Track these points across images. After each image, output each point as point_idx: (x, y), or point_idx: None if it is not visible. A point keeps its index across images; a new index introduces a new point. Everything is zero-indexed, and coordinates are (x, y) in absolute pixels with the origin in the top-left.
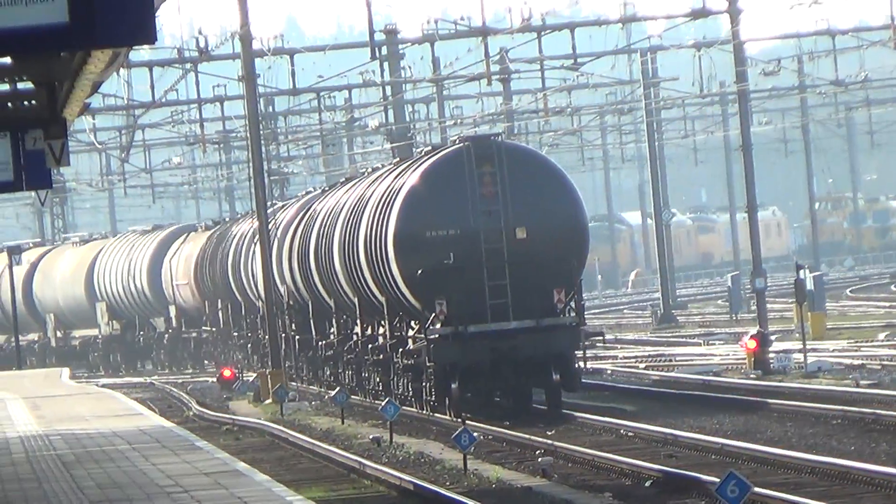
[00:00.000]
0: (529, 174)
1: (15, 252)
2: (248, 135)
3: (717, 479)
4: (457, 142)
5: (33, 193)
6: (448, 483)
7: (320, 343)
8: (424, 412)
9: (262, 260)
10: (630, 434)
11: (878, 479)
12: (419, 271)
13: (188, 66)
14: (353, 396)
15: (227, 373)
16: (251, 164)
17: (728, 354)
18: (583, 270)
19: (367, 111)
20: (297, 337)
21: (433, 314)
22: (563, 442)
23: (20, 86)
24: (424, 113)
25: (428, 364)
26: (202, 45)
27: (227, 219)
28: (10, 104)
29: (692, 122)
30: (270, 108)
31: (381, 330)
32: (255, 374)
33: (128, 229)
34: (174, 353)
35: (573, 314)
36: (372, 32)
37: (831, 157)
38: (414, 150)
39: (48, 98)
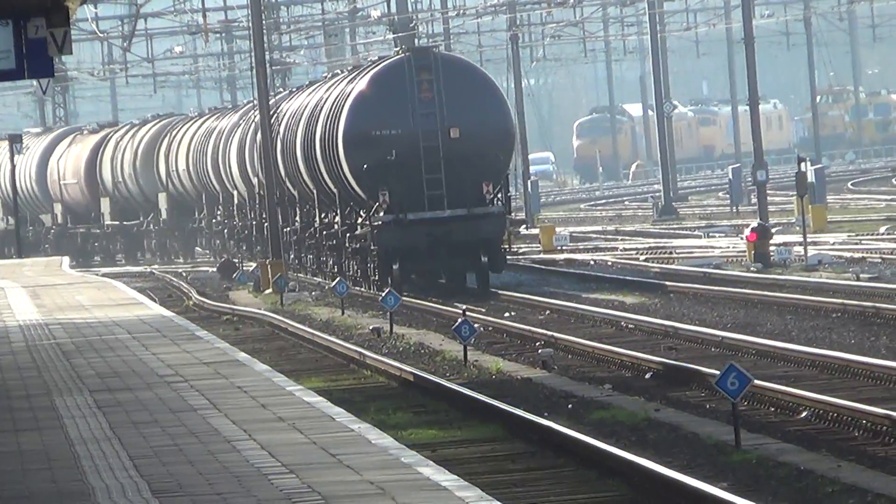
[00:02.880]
0: (463, 82)
1: (16, 140)
2: (251, 24)
3: (718, 372)
4: (400, 52)
5: (35, 82)
6: (448, 374)
7: (286, 230)
8: (371, 290)
9: (263, 151)
10: (630, 326)
11: (877, 371)
12: (364, 166)
13: None
14: (315, 278)
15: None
16: (253, 54)
17: (729, 247)
18: (508, 167)
19: (370, 1)
20: (266, 224)
21: (377, 203)
22: (564, 334)
23: None
24: (427, 3)
25: (372, 248)
26: None
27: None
28: None
29: (694, 14)
30: None
31: (336, 217)
32: (255, 264)
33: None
34: (60, 247)
35: (500, 204)
36: None
37: (833, 51)
38: (415, 40)
39: None
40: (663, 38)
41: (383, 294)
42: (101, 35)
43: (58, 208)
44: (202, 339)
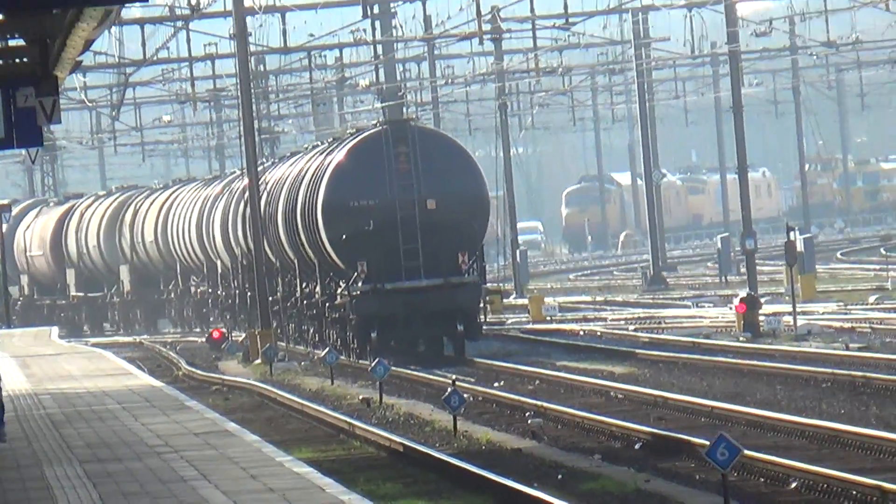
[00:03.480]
0: (439, 154)
1: (4, 210)
2: (239, 93)
3: (708, 442)
4: (377, 125)
5: (24, 151)
6: (438, 444)
7: (269, 299)
8: (351, 359)
9: (252, 219)
10: (620, 396)
11: (867, 441)
12: (343, 236)
13: (179, 23)
14: (297, 346)
15: (215, 333)
16: (242, 123)
17: (718, 317)
18: (484, 236)
19: (359, 70)
20: (248, 294)
21: (356, 273)
22: (553, 403)
23: (12, 42)
24: (416, 72)
25: (351, 316)
26: (194, 2)
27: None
28: (1, 61)
29: (683, 82)
30: (261, 67)
31: (316, 287)
32: (244, 335)
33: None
34: (27, 318)
35: (476, 274)
36: None
37: (822, 119)
38: (404, 109)
39: (40, 55)
40: (652, 107)
41: (372, 364)
42: (90, 104)
43: (24, 279)
44: (192, 410)
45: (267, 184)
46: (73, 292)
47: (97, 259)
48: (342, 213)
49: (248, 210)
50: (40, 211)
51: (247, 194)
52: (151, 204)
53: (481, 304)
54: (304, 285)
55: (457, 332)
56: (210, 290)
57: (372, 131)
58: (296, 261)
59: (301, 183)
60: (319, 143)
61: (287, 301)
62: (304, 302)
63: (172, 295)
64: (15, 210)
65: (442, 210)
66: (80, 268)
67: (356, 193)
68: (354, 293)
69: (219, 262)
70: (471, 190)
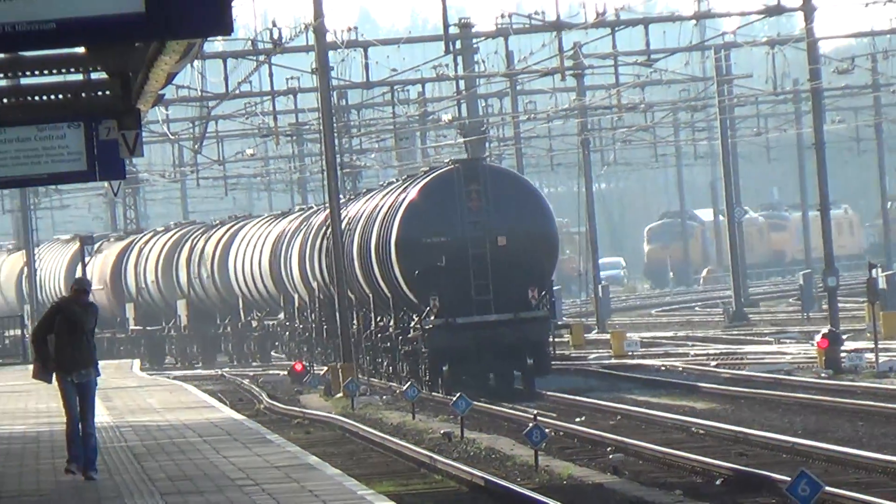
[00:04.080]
0: (509, 191)
1: (87, 242)
2: (321, 127)
3: (789, 478)
4: (449, 164)
5: (106, 184)
6: (519, 479)
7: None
8: (423, 391)
9: (335, 253)
10: (701, 432)
11: None
12: (416, 271)
13: (262, 57)
14: (371, 379)
15: (298, 366)
16: (324, 157)
17: (799, 353)
18: (553, 272)
19: (441, 105)
20: (325, 327)
21: (428, 307)
22: (634, 439)
23: (94, 76)
24: (498, 107)
25: (423, 350)
26: (276, 36)
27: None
28: (83, 94)
29: (765, 119)
30: (343, 101)
31: (390, 321)
32: (326, 368)
33: (52, 238)
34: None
35: (545, 309)
36: (446, 26)
37: None
38: (486, 144)
39: (122, 88)
40: (734, 143)
41: (454, 398)
42: (172, 137)
43: None
44: (273, 443)
45: (342, 220)
46: (132, 326)
47: (155, 293)
48: (415, 249)
49: (326, 244)
50: (101, 246)
51: (324, 229)
52: (209, 240)
53: (550, 339)
54: (378, 319)
55: (526, 365)
56: (287, 324)
57: (444, 170)
58: (370, 295)
59: (376, 220)
60: (394, 180)
61: (362, 335)
62: (378, 335)
63: (229, 329)
64: (77, 245)
65: (512, 246)
66: (139, 302)
67: (429, 230)
68: (427, 327)
69: (296, 296)
70: (540, 227)
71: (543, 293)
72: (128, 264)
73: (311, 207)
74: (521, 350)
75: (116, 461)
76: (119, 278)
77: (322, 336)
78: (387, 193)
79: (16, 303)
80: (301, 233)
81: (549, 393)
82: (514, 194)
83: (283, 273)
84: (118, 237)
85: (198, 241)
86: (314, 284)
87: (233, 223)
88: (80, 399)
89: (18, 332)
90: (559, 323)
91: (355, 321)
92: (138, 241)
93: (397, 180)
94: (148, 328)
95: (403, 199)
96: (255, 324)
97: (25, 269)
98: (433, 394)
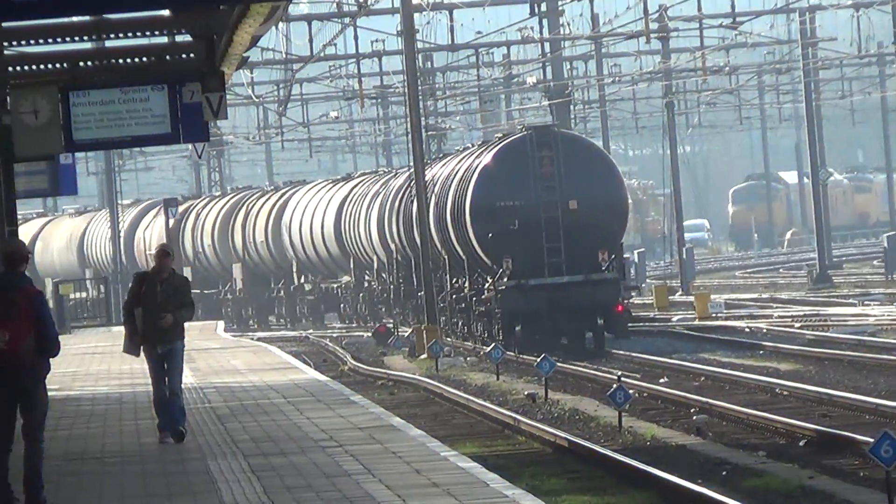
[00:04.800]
0: (580, 157)
1: (171, 205)
2: (406, 90)
3: (872, 440)
4: (522, 130)
5: (190, 146)
6: (603, 440)
7: (419, 293)
8: (509, 353)
9: (420, 215)
10: (785, 393)
11: None
12: (490, 234)
13: (347, 20)
14: (446, 338)
15: (382, 328)
16: (408, 120)
17: (883, 315)
18: (623, 235)
19: (525, 68)
20: (402, 287)
21: (501, 269)
22: (718, 400)
23: (178, 38)
24: (582, 70)
25: (497, 311)
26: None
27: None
28: (168, 57)
29: (850, 82)
30: (429, 64)
31: (465, 282)
32: (410, 329)
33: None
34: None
35: (615, 271)
36: None
37: None
38: (571, 107)
39: (206, 51)
40: (818, 106)
41: (538, 360)
42: (257, 100)
43: None
44: (356, 404)
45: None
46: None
47: (212, 257)
48: (489, 213)
49: (404, 207)
50: (158, 212)
51: (403, 192)
52: (263, 205)
53: (622, 301)
54: (453, 280)
55: (597, 326)
56: (354, 286)
57: (517, 135)
58: (446, 257)
59: (451, 184)
60: (470, 145)
61: (437, 296)
62: (454, 296)
63: (282, 293)
64: (136, 209)
65: (583, 211)
66: (196, 266)
67: (502, 194)
68: (500, 288)
69: (375, 258)
70: (611, 192)
71: (613, 256)
72: (185, 229)
73: (377, 172)
74: (592, 311)
75: (199, 422)
76: (177, 243)
77: (400, 297)
78: (462, 159)
79: (77, 266)
80: (380, 196)
81: (633, 354)
82: (586, 160)
83: (354, 236)
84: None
85: (253, 206)
86: (392, 247)
87: (288, 188)
88: (167, 365)
89: (104, 293)
90: (631, 286)
91: (424, 282)
92: (196, 206)
93: (473, 145)
94: (205, 291)
95: (478, 165)
96: (308, 287)
97: (85, 234)
98: (513, 354)
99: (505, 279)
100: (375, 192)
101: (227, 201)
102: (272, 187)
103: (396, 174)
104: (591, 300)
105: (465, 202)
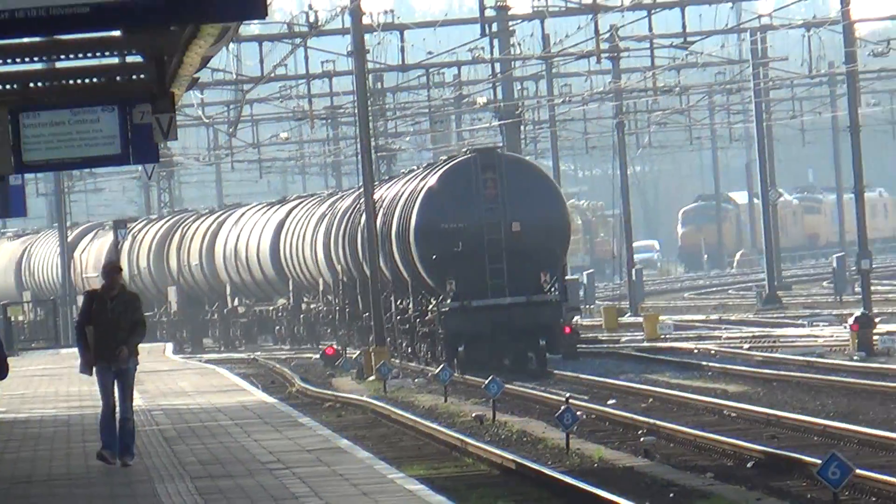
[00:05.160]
0: (524, 180)
1: (121, 226)
2: (357, 110)
3: (820, 461)
4: (466, 153)
5: (140, 167)
6: (550, 462)
7: (364, 314)
8: (457, 374)
9: (368, 237)
10: (733, 415)
11: None
12: (434, 256)
13: (297, 40)
14: (394, 359)
15: (329, 350)
16: (359, 140)
17: (832, 336)
18: (565, 257)
19: (476, 88)
20: (348, 309)
21: (445, 291)
22: (666, 422)
23: (129, 59)
24: (533, 90)
25: (440, 332)
26: (312, 19)
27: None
28: (118, 77)
29: (800, 102)
30: (379, 84)
31: (409, 303)
32: (358, 351)
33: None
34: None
35: (557, 293)
36: (482, 8)
37: None
38: (521, 127)
39: (157, 72)
40: (769, 126)
41: (486, 381)
42: (207, 120)
43: (80, 300)
44: (304, 426)
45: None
46: None
47: (147, 280)
48: (433, 235)
49: (350, 229)
50: (95, 234)
51: (349, 213)
52: (198, 228)
53: (569, 321)
54: (398, 302)
55: (539, 346)
56: (311, 307)
57: (462, 158)
58: (391, 279)
59: (396, 206)
60: (415, 167)
61: (383, 317)
62: (398, 318)
63: (216, 315)
64: (71, 235)
65: (526, 233)
66: (132, 288)
67: (447, 216)
68: (443, 310)
69: (320, 280)
70: (553, 214)
71: (555, 278)
72: (121, 252)
73: (314, 194)
74: (535, 332)
75: (147, 445)
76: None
77: (346, 318)
78: (407, 181)
79: (14, 289)
80: (326, 217)
81: (581, 375)
82: (529, 183)
83: (295, 258)
84: (112, 225)
85: (188, 229)
86: (338, 268)
87: (222, 212)
88: (118, 384)
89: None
90: (573, 307)
91: (372, 304)
92: (132, 229)
93: (417, 168)
94: None
95: (423, 187)
96: (241, 310)
97: (23, 257)
98: (457, 375)
99: (448, 300)
100: (321, 213)
101: (163, 224)
102: (206, 210)
103: (343, 196)
104: (533, 321)
105: (410, 224)
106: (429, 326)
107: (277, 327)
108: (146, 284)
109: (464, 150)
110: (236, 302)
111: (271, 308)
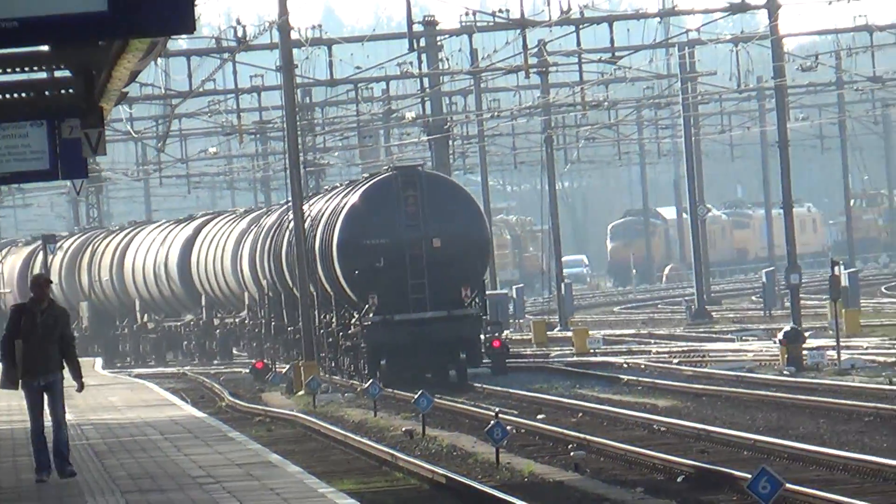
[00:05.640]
0: (444, 197)
1: (50, 241)
2: (285, 125)
3: (750, 475)
4: (388, 170)
5: (69, 182)
6: (480, 476)
7: (289, 328)
8: (362, 383)
9: (297, 252)
10: (663, 429)
11: None
12: (356, 271)
13: (226, 55)
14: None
15: (259, 364)
16: (287, 155)
17: (761, 350)
18: (485, 272)
19: (405, 103)
20: (273, 323)
21: (367, 305)
22: (596, 436)
23: (58, 74)
24: (461, 105)
25: (363, 345)
26: (240, 34)
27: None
28: (47, 92)
29: (729, 117)
30: (308, 99)
31: (332, 318)
32: (287, 366)
33: None
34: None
35: (477, 307)
36: (410, 24)
37: (867, 154)
38: (450, 142)
39: (85, 87)
40: (697, 141)
41: (416, 396)
42: (136, 135)
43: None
44: (234, 441)
45: (289, 223)
46: None
47: (59, 296)
48: (356, 251)
49: (274, 244)
50: (9, 251)
51: (274, 229)
52: (108, 244)
53: (485, 334)
54: (322, 316)
55: (460, 359)
56: (235, 321)
57: (384, 176)
58: (314, 293)
59: (319, 222)
60: (338, 185)
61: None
62: (322, 331)
63: (126, 330)
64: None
65: (446, 248)
66: None
67: (369, 233)
68: (366, 324)
69: (246, 295)
70: (473, 230)
71: (475, 292)
72: (34, 267)
73: (224, 211)
74: (455, 345)
75: (78, 460)
76: (25, 281)
77: (271, 332)
78: (330, 198)
79: None
80: (252, 233)
81: (511, 390)
82: (449, 199)
83: (211, 273)
84: (26, 242)
85: (98, 245)
86: (264, 283)
87: (132, 228)
88: (47, 399)
89: None
90: (495, 322)
91: (301, 319)
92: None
93: (340, 185)
94: None
95: (346, 204)
96: (151, 325)
97: None
98: (394, 391)
99: (371, 315)
100: (244, 229)
101: (75, 241)
102: (117, 227)
103: (269, 213)
104: (454, 335)
105: (333, 240)
106: (352, 340)
107: (185, 342)
108: (58, 301)
109: (384, 167)
110: (146, 318)
111: (179, 324)
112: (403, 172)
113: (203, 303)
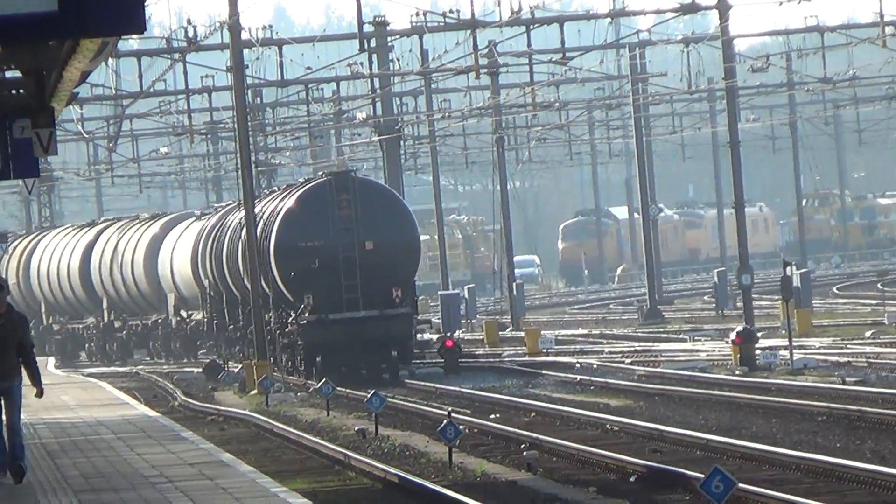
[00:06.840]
0: (376, 201)
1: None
2: (236, 125)
3: (703, 475)
4: (322, 176)
5: (20, 182)
6: (433, 476)
7: (230, 326)
8: (300, 379)
9: (249, 253)
10: (615, 429)
11: (862, 476)
12: (292, 273)
13: (176, 56)
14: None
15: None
16: (238, 155)
17: (714, 350)
18: (415, 274)
19: (356, 103)
20: (214, 322)
21: (303, 305)
22: (549, 436)
23: (8, 74)
24: (412, 106)
25: (299, 343)
26: (191, 35)
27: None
28: None
29: (680, 117)
30: (258, 100)
31: (270, 317)
32: (240, 365)
33: None
34: None
35: (408, 307)
36: (361, 24)
37: (819, 155)
38: (401, 143)
39: (36, 87)
40: (649, 142)
41: (369, 395)
42: (87, 136)
43: None
44: (187, 440)
45: (229, 224)
46: None
47: (16, 294)
48: (291, 253)
49: (215, 245)
50: None
51: (215, 231)
52: (16, 248)
53: (413, 333)
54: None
55: (391, 357)
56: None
57: (318, 181)
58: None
59: (257, 225)
60: (276, 188)
61: (247, 329)
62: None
63: (33, 333)
64: None
65: (378, 251)
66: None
67: (304, 236)
68: (302, 322)
69: (172, 294)
70: (403, 234)
71: (406, 293)
72: None
73: (125, 217)
74: (387, 343)
75: (31, 459)
76: None
77: (213, 331)
78: (268, 201)
79: None
80: (206, 231)
81: (464, 389)
82: (381, 204)
83: (116, 277)
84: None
85: (8, 248)
86: (206, 283)
87: (37, 233)
88: (4, 402)
89: None
90: (423, 320)
91: (241, 317)
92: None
93: (277, 189)
94: None
95: (282, 208)
96: (56, 327)
97: None
98: (308, 382)
99: (306, 314)
100: (156, 234)
101: (32, 239)
102: (23, 231)
103: (210, 215)
104: (385, 333)
105: (270, 242)
106: (289, 338)
107: (87, 344)
108: (15, 299)
109: (319, 173)
110: (51, 320)
111: (80, 326)
112: (337, 178)
113: (105, 305)
